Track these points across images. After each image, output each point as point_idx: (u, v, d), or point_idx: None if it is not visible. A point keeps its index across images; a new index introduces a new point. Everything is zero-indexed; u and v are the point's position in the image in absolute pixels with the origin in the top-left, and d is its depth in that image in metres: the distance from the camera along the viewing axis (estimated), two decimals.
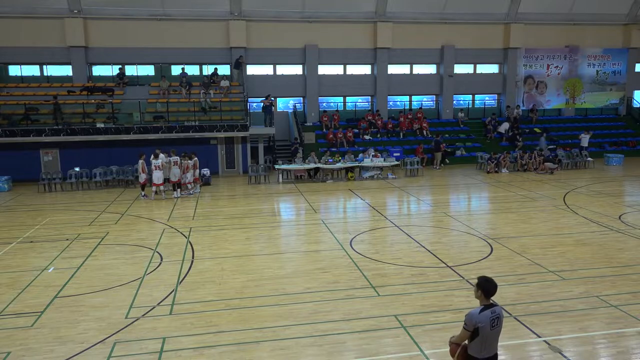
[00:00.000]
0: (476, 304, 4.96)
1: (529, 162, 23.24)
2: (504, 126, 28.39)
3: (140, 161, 18.10)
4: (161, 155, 17.98)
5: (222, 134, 22.91)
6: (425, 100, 30.23)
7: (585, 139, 25.92)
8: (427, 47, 28.70)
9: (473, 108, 30.82)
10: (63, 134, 21.47)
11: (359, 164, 21.94)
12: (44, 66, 26.04)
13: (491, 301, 4.82)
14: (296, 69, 28.29)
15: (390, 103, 29.69)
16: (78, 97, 24.01)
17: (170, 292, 8.95)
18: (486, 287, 4.77)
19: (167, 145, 20.45)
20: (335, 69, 28.64)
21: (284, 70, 28.22)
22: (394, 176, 21.99)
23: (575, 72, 30.78)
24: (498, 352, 6.67)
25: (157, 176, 17.71)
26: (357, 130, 27.14)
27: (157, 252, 11.48)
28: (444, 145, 25.53)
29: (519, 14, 28.89)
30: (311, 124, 27.79)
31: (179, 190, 18.32)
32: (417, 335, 7.10)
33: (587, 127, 29.15)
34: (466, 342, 4.84)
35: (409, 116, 28.35)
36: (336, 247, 11.63)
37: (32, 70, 26.05)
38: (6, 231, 13.78)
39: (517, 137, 27.23)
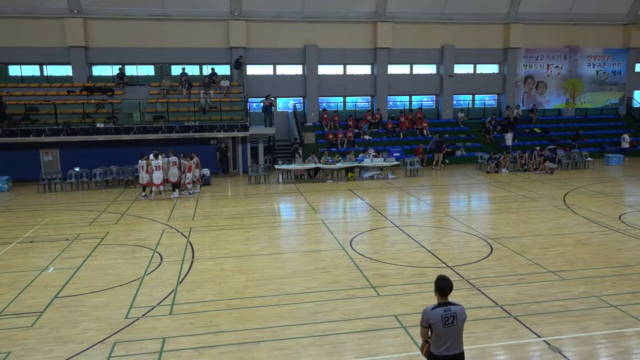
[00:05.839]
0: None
1: (528, 162, 23.25)
2: (509, 137, 26.89)
3: (142, 161, 18.07)
4: (159, 156, 18.01)
5: (222, 134, 22.91)
6: (425, 100, 30.22)
7: (625, 141, 26.64)
8: (427, 47, 28.68)
9: (473, 108, 30.80)
10: (63, 134, 21.47)
11: (359, 164, 21.94)
12: (44, 66, 26.04)
13: (449, 300, 4.96)
14: (296, 69, 28.28)
15: (390, 103, 29.67)
16: (78, 97, 24.00)
17: (170, 292, 8.95)
18: (441, 285, 4.94)
19: (167, 146, 20.42)
20: (335, 69, 28.63)
21: (283, 70, 28.22)
22: (394, 176, 21.98)
23: (575, 72, 30.76)
24: (497, 352, 6.73)
25: (157, 176, 17.72)
26: (357, 130, 27.15)
27: (157, 252, 11.47)
28: (446, 145, 25.48)
29: (519, 14, 28.87)
30: (311, 124, 27.78)
31: (177, 190, 18.31)
32: (417, 336, 7.07)
33: (588, 127, 29.12)
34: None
35: (409, 116, 28.35)
36: (336, 247, 11.62)
37: (32, 70, 26.04)
38: (6, 231, 13.78)
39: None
